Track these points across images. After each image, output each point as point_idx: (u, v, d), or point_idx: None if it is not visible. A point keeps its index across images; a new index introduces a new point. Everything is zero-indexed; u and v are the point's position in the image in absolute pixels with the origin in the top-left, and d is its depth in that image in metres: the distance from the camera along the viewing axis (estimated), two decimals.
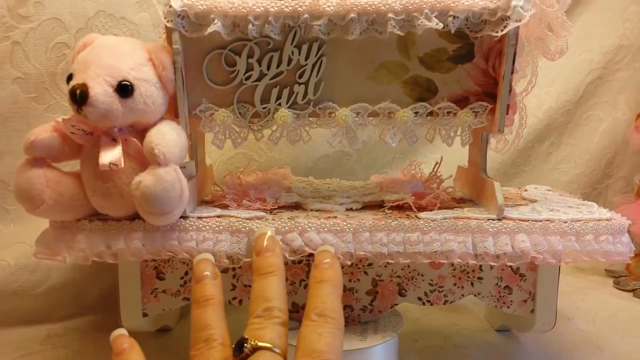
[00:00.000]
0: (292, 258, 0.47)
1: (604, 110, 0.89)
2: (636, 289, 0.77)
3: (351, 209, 0.53)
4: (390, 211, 0.52)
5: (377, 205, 0.54)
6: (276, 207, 0.52)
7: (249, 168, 0.64)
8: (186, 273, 0.52)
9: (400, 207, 0.52)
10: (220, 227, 0.47)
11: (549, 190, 0.64)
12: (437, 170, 0.57)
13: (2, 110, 0.63)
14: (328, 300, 0.40)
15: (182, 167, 0.47)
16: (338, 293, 0.41)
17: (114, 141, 0.44)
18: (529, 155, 0.86)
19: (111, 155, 0.44)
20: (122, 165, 0.44)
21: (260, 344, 0.37)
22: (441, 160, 0.57)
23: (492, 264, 0.48)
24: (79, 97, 0.42)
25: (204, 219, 0.47)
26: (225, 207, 0.51)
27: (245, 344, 0.37)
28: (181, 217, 0.47)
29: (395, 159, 0.77)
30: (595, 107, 0.89)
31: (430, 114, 0.50)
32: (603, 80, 0.88)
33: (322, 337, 0.38)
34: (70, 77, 0.44)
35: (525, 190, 0.63)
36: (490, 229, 0.48)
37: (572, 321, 0.68)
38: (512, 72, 0.49)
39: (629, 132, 0.83)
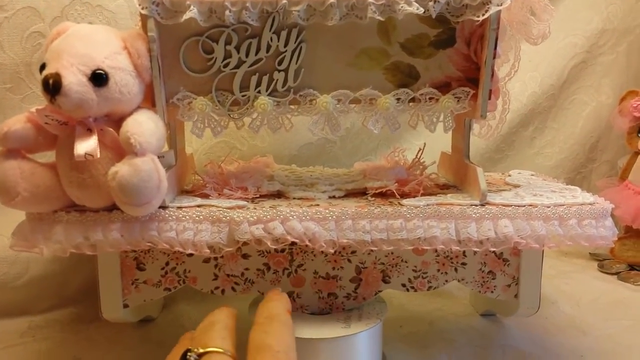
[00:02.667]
0: (275, 247, 0.46)
1: (588, 95, 0.89)
2: (620, 272, 0.78)
3: (334, 197, 0.52)
4: (373, 198, 0.51)
5: (360, 193, 0.53)
6: (258, 195, 0.52)
7: (230, 156, 0.63)
8: (167, 264, 0.51)
9: (384, 195, 0.52)
10: (201, 217, 0.46)
11: (532, 175, 0.64)
12: (420, 156, 0.56)
13: None
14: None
15: (161, 157, 0.46)
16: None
17: (89, 131, 0.43)
18: (513, 141, 0.86)
19: (86, 145, 0.43)
20: (98, 155, 0.43)
21: (204, 350, 0.37)
22: (424, 146, 0.57)
23: (476, 249, 0.48)
24: (52, 87, 0.41)
25: (183, 209, 0.46)
26: (206, 196, 0.50)
27: (189, 353, 0.37)
28: (160, 207, 0.46)
29: (380, 146, 0.77)
30: (579, 91, 0.89)
31: (413, 100, 0.50)
32: (587, 64, 0.88)
33: (269, 334, 0.39)
34: (43, 67, 0.43)
35: (509, 176, 0.63)
36: (473, 215, 0.48)
37: (556, 305, 0.68)
38: (494, 57, 0.49)
39: (612, 115, 0.83)
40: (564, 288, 0.73)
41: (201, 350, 0.38)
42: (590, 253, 0.86)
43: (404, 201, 0.49)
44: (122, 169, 0.41)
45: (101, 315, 0.52)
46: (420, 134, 0.74)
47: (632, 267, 0.79)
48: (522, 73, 0.83)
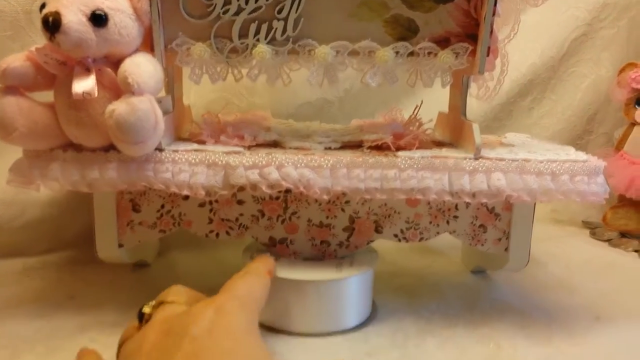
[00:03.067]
0: (269, 192, 0.47)
1: (588, 67, 0.89)
2: (612, 239, 0.79)
3: (330, 148, 0.53)
4: (368, 150, 0.52)
5: (356, 146, 0.54)
6: (254, 144, 0.52)
7: (228, 109, 0.64)
8: (162, 206, 0.52)
9: (379, 147, 0.52)
10: (197, 160, 0.47)
11: (528, 137, 0.64)
12: (417, 113, 0.57)
13: None
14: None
15: (158, 102, 0.46)
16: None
17: (87, 71, 0.44)
18: (511, 110, 0.86)
19: (84, 84, 0.43)
20: (96, 94, 0.43)
21: (156, 302, 0.40)
22: (421, 103, 0.57)
23: (468, 201, 0.49)
24: (52, 25, 0.41)
25: (180, 152, 0.47)
26: (202, 142, 0.51)
27: (143, 308, 0.40)
28: (157, 149, 0.47)
29: (378, 109, 0.76)
30: (578, 64, 0.89)
31: (411, 54, 0.50)
32: (587, 37, 0.88)
33: (237, 282, 0.42)
34: (43, 6, 0.44)
35: (505, 137, 0.63)
36: (467, 167, 0.49)
37: (546, 266, 0.69)
38: (494, 14, 0.49)
39: (611, 87, 0.83)
40: (554, 251, 0.74)
41: (154, 303, 0.39)
42: (582, 221, 0.86)
43: (399, 153, 0.50)
44: (119, 107, 0.42)
45: (96, 255, 0.53)
46: (419, 97, 0.74)
47: (623, 234, 0.80)
48: (523, 43, 0.83)
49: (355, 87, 0.74)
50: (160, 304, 0.40)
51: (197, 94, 0.68)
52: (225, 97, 0.69)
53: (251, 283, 0.42)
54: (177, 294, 0.41)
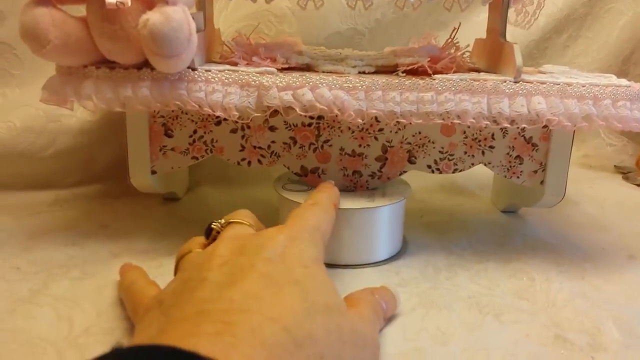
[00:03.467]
0: (302, 114, 0.46)
1: (626, 3, 0.85)
2: None
3: (364, 72, 0.51)
4: (404, 74, 0.50)
5: (390, 70, 0.52)
6: (287, 67, 0.51)
7: (257, 34, 0.62)
8: (195, 132, 0.51)
9: (415, 72, 0.51)
10: (230, 80, 0.46)
11: (566, 68, 0.62)
12: (454, 36, 0.55)
13: None
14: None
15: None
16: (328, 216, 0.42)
17: None
18: (546, 47, 0.84)
19: None
20: (129, 4, 0.42)
21: (226, 221, 0.39)
22: (459, 25, 0.55)
23: (506, 125, 0.47)
24: None
25: (213, 72, 0.46)
26: (235, 64, 0.49)
27: (213, 224, 0.39)
28: (189, 68, 0.45)
29: (410, 41, 0.75)
30: (616, 0, 0.85)
31: None
32: None
33: (307, 211, 0.41)
34: None
35: (543, 67, 0.61)
36: (507, 90, 0.47)
37: (579, 205, 0.68)
38: None
39: None
40: (587, 192, 0.72)
41: (223, 221, 0.39)
42: (615, 165, 0.85)
43: (436, 75, 0.48)
44: (153, 16, 0.41)
45: (129, 181, 0.52)
46: (452, 29, 0.72)
47: None
48: None
49: (387, 18, 0.72)
50: (229, 223, 0.39)
51: (226, 22, 0.67)
52: (253, 25, 0.67)
53: (319, 216, 0.41)
54: (246, 217, 0.40)
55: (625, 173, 0.82)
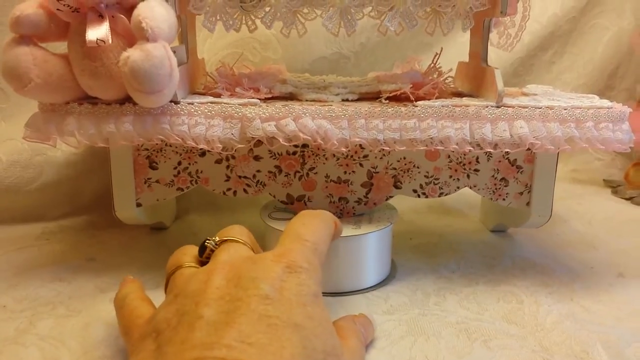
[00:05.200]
0: (286, 145, 0.46)
1: (610, 19, 0.86)
2: (634, 197, 0.77)
3: (347, 100, 0.52)
4: (387, 101, 0.50)
5: (374, 97, 0.52)
6: (270, 96, 0.51)
7: (241, 62, 0.62)
8: (179, 163, 0.51)
9: (398, 98, 0.51)
10: (213, 112, 0.46)
11: (550, 88, 0.62)
12: (436, 61, 0.55)
13: None
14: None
15: (173, 51, 0.45)
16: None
17: (100, 17, 0.43)
18: (532, 64, 0.84)
19: (98, 31, 0.42)
20: (110, 41, 0.42)
21: (220, 238, 0.38)
22: (441, 51, 0.55)
23: (490, 151, 0.48)
24: None
25: (195, 104, 0.46)
26: (218, 95, 0.49)
27: (207, 242, 0.38)
28: (172, 101, 0.46)
29: (395, 64, 0.75)
30: (600, 16, 0.86)
31: None
32: None
33: (305, 225, 0.39)
34: None
35: (526, 88, 0.62)
36: (489, 116, 0.47)
37: (567, 223, 0.68)
38: None
39: (633, 37, 0.81)
40: (576, 208, 0.72)
41: (218, 239, 0.38)
42: (604, 180, 0.85)
43: (419, 102, 0.48)
44: (133, 54, 0.41)
45: (114, 214, 0.52)
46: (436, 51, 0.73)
47: None
48: None
49: (372, 41, 0.73)
50: (224, 241, 0.38)
51: (210, 50, 0.67)
52: (238, 53, 0.68)
53: (317, 233, 0.38)
54: (241, 234, 0.39)
55: (614, 187, 0.82)
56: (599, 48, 0.87)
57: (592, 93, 0.86)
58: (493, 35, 0.58)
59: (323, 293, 0.48)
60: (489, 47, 0.57)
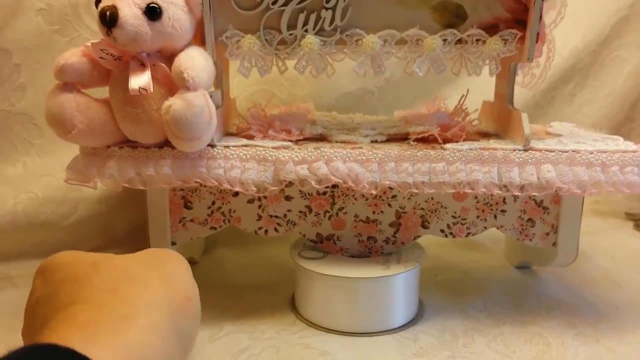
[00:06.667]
0: (318, 187, 0.47)
1: (630, 52, 0.87)
2: None
3: (376, 141, 0.53)
4: (415, 143, 0.51)
5: (402, 138, 0.54)
6: (301, 138, 0.52)
7: (272, 102, 0.64)
8: (213, 203, 0.52)
9: (426, 140, 0.52)
10: (247, 156, 0.47)
11: (574, 126, 0.63)
12: (462, 102, 0.56)
13: (26, 42, 0.63)
14: None
15: (210, 96, 0.47)
16: None
17: (142, 66, 0.44)
18: (553, 97, 0.85)
19: (140, 80, 0.44)
20: (152, 90, 0.44)
21: None
22: (467, 92, 0.56)
23: (517, 194, 0.48)
24: (109, 19, 0.42)
25: (231, 148, 0.47)
26: (251, 137, 0.51)
27: None
28: (209, 145, 0.47)
29: (418, 98, 0.76)
30: (620, 48, 0.87)
31: (459, 41, 0.49)
32: (629, 21, 0.86)
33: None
34: (98, 0, 0.44)
35: (550, 126, 0.62)
36: (516, 159, 0.48)
37: (592, 259, 0.68)
38: None
39: None
40: (600, 244, 0.73)
41: None
42: (626, 213, 0.85)
43: (447, 145, 0.49)
44: (175, 103, 0.42)
45: None
46: (459, 85, 0.74)
47: None
48: (564, 27, 0.81)
49: (396, 76, 0.74)
50: None
51: (239, 88, 0.69)
52: (266, 90, 0.69)
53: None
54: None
55: (636, 220, 0.82)
56: (620, 80, 0.87)
57: (613, 125, 0.88)
58: (517, 75, 0.59)
59: (352, 333, 0.49)
60: (516, 84, 0.58)
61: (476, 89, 0.62)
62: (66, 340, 0.28)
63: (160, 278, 0.36)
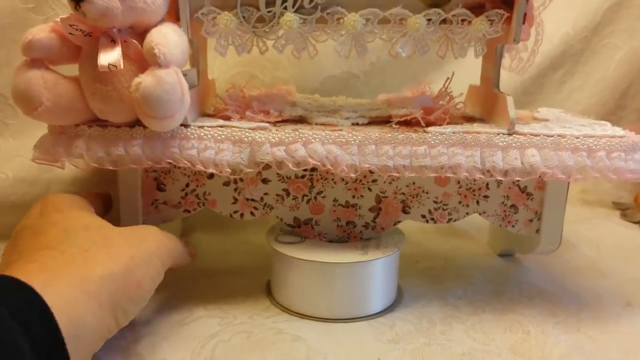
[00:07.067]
0: (295, 169, 0.46)
1: (622, 39, 0.85)
2: None
3: (357, 124, 0.51)
4: (397, 126, 0.50)
5: (384, 121, 0.52)
6: (280, 120, 0.51)
7: (252, 83, 0.62)
8: (187, 185, 0.51)
9: (408, 123, 0.51)
10: (223, 137, 0.46)
11: (561, 112, 0.62)
12: (447, 86, 0.55)
13: (0, 21, 0.60)
14: None
15: (184, 75, 0.45)
16: None
17: (113, 42, 0.43)
18: (542, 84, 0.84)
19: (110, 56, 0.42)
20: (122, 66, 0.42)
21: None
22: (452, 75, 0.55)
23: (500, 179, 0.47)
24: None
25: (205, 128, 0.46)
26: (228, 118, 0.49)
27: None
28: (182, 125, 0.46)
29: (405, 83, 0.75)
30: (612, 35, 0.85)
31: (444, 21, 0.48)
32: (621, 7, 0.84)
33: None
34: None
35: (538, 112, 0.61)
36: (500, 143, 0.47)
37: (576, 248, 0.67)
38: None
39: None
40: (585, 233, 0.72)
41: None
42: (613, 202, 0.84)
43: (429, 128, 0.48)
44: (145, 80, 0.41)
45: None
46: (446, 70, 0.72)
47: None
48: (555, 12, 0.80)
49: (382, 60, 0.72)
50: None
51: (220, 68, 0.67)
52: (248, 72, 0.68)
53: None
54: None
55: (623, 210, 0.81)
56: (611, 67, 0.86)
57: (603, 113, 0.87)
58: (505, 59, 0.58)
59: (328, 319, 0.48)
60: (503, 69, 0.56)
61: (464, 74, 0.61)
62: (31, 277, 0.34)
63: (128, 258, 0.40)
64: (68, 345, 0.33)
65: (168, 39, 0.42)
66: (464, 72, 0.60)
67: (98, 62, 0.42)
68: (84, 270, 0.37)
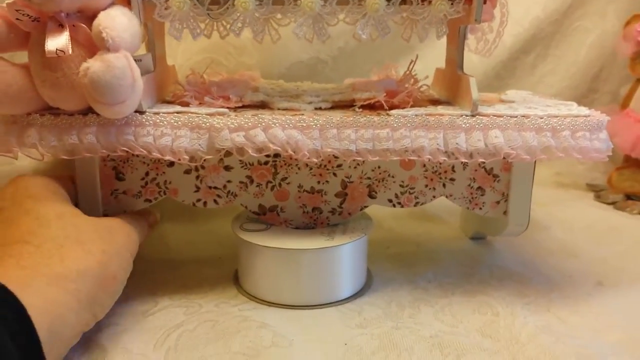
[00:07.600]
0: (256, 155, 0.45)
1: (593, 21, 0.85)
2: (617, 202, 0.77)
3: (320, 108, 0.50)
4: (360, 110, 0.49)
5: (347, 105, 0.51)
6: (240, 105, 0.50)
7: (215, 69, 0.61)
8: (147, 174, 0.50)
9: (372, 106, 0.50)
10: (179, 123, 0.45)
11: (529, 94, 0.61)
12: (412, 68, 0.54)
13: None
14: None
15: (138, 60, 0.44)
16: None
17: (60, 27, 0.41)
18: (514, 67, 0.83)
19: (58, 41, 0.41)
20: (70, 51, 0.41)
21: None
22: (416, 58, 0.54)
23: (464, 161, 0.47)
24: None
25: (161, 114, 0.45)
26: (186, 104, 0.48)
27: None
28: (137, 111, 0.44)
29: (375, 68, 0.74)
30: (583, 18, 0.85)
31: (404, 2, 0.47)
32: None
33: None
34: None
35: (505, 94, 0.61)
36: (463, 125, 0.46)
37: (548, 230, 0.67)
38: None
39: (616, 41, 0.80)
40: (557, 215, 0.72)
41: None
42: (587, 184, 0.84)
43: (392, 111, 0.47)
44: (94, 65, 0.40)
45: None
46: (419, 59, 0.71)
47: (629, 197, 0.78)
48: None
49: (350, 45, 0.71)
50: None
51: (184, 55, 0.66)
52: (212, 58, 0.66)
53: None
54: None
55: (597, 191, 0.81)
56: (582, 50, 0.86)
57: (575, 96, 0.87)
58: (471, 41, 0.57)
59: (295, 306, 0.47)
60: (470, 51, 0.56)
61: (434, 57, 0.60)
62: (9, 275, 0.35)
63: (101, 253, 0.41)
64: (48, 344, 0.33)
65: (116, 22, 0.41)
66: (434, 56, 0.60)
67: (45, 48, 0.40)
68: (61, 268, 0.38)
